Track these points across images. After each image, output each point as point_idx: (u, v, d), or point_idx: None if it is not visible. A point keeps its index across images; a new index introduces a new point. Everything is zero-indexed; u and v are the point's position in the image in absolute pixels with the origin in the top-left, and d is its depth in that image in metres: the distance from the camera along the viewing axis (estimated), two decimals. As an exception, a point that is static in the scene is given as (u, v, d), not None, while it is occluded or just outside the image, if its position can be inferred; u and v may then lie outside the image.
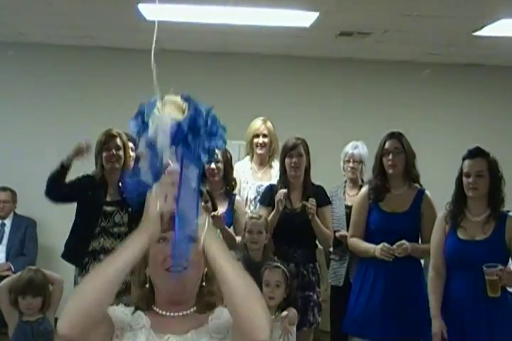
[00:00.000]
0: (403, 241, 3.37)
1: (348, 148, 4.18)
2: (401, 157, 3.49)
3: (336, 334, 3.99)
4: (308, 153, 3.76)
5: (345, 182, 4.20)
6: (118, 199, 3.68)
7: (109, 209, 3.65)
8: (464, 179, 3.09)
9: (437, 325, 3.09)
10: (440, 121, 6.08)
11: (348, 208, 3.92)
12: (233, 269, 1.39)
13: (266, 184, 3.98)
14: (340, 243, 3.92)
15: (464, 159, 3.14)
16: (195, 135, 1.34)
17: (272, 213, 3.64)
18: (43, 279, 3.29)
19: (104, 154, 3.63)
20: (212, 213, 3.60)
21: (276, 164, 4.11)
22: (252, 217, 3.59)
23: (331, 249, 4.14)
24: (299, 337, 3.64)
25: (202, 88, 5.95)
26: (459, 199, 3.13)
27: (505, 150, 6.04)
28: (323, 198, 3.77)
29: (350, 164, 4.12)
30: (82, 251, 3.61)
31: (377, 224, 3.55)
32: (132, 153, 3.83)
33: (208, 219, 1.43)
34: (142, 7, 4.15)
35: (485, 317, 3.02)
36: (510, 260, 3.16)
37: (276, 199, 3.61)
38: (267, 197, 3.78)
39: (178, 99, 1.45)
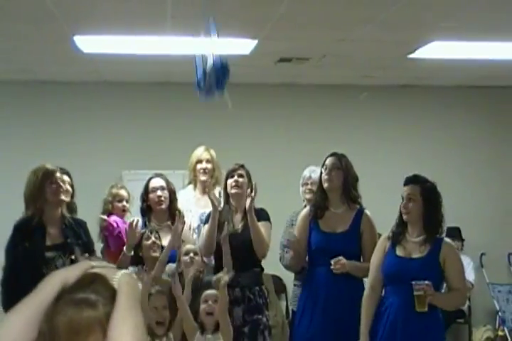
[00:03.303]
0: (340, 257, 3.44)
1: (306, 172, 4.23)
2: (338, 173, 3.58)
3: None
4: (249, 179, 3.82)
5: (305, 206, 4.22)
6: (60, 241, 3.50)
7: (50, 254, 3.44)
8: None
9: None
10: (380, 141, 6.22)
11: None
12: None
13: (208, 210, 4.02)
14: (302, 268, 3.89)
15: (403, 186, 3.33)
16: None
17: (211, 216, 3.69)
18: None
19: (53, 186, 3.49)
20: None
21: (219, 191, 4.14)
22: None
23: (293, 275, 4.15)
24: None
25: (145, 119, 5.96)
26: (401, 222, 3.29)
27: (441, 169, 6.26)
28: (263, 216, 3.82)
29: (308, 186, 4.15)
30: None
31: (317, 244, 3.61)
32: (69, 187, 3.72)
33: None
34: (78, 39, 4.11)
35: (416, 333, 3.12)
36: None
37: (210, 196, 3.66)
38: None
39: None
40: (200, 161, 4.14)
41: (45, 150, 5.50)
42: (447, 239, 3.28)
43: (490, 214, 6.15)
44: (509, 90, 6.27)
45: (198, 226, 4.05)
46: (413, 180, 3.28)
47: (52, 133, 5.79)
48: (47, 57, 4.82)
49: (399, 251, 3.24)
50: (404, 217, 3.24)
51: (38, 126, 5.80)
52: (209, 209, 3.93)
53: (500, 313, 5.84)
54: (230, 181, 3.76)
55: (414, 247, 3.23)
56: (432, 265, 3.18)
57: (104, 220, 3.94)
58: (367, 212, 3.63)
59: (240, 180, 3.74)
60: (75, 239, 3.54)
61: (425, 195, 3.22)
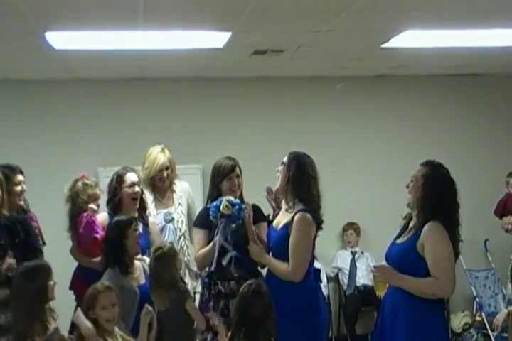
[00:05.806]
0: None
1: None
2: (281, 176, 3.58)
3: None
4: (241, 173, 3.83)
5: None
6: None
7: None
8: None
9: None
10: (356, 132, 6.25)
11: None
12: None
13: (170, 209, 4.14)
14: None
15: None
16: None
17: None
18: None
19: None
20: None
21: (177, 188, 4.25)
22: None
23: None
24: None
25: (119, 115, 5.90)
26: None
27: (417, 159, 6.27)
28: (259, 216, 3.75)
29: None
30: None
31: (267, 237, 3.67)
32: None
33: None
34: (50, 36, 4.05)
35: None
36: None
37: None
38: (203, 219, 3.70)
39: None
40: (161, 170, 4.16)
41: (20, 149, 5.43)
42: (430, 223, 3.05)
43: (466, 202, 6.20)
44: (484, 78, 6.33)
45: (163, 226, 4.15)
46: (423, 162, 3.19)
47: (25, 133, 5.72)
48: (17, 54, 4.74)
49: (400, 236, 3.24)
50: (408, 197, 3.17)
51: (9, 125, 5.71)
52: (170, 208, 4.14)
53: (477, 299, 5.92)
54: (227, 184, 3.69)
55: (407, 232, 3.19)
56: (408, 251, 3.08)
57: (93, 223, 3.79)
58: (302, 214, 3.44)
59: (239, 181, 3.73)
60: (9, 240, 3.37)
61: (427, 178, 3.08)
